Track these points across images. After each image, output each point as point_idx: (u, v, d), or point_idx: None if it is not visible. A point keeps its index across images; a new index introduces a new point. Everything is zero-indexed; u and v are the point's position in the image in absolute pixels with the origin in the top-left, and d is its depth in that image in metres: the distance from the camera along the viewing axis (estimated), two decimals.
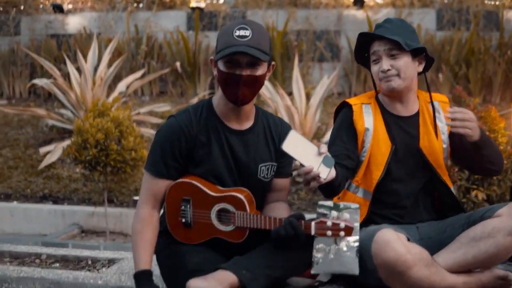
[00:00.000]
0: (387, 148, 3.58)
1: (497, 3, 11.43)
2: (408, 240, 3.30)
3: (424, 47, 3.59)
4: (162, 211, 3.44)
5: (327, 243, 3.16)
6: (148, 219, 3.33)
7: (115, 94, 9.78)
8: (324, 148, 3.03)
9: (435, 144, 3.63)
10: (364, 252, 3.23)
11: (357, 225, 3.12)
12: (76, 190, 8.59)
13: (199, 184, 3.30)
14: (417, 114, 3.69)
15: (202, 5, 11.85)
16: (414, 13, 11.25)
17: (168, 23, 11.85)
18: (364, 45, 3.67)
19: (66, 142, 8.77)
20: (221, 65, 3.26)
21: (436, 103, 3.72)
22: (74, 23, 12.31)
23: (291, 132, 3.03)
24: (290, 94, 9.23)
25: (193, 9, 11.80)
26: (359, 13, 11.32)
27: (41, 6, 12.89)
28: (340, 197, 3.67)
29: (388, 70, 3.52)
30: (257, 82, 3.30)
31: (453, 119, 3.33)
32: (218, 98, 3.42)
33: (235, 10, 11.88)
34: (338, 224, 3.06)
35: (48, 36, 12.19)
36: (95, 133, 7.01)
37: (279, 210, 3.47)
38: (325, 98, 9.98)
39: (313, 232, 3.11)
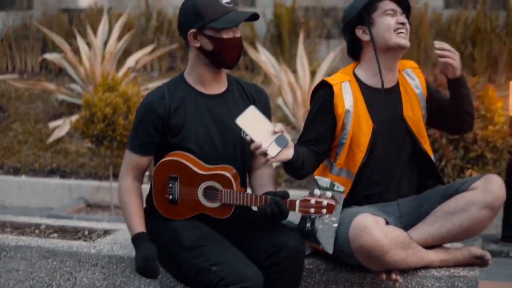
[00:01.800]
0: (368, 127, 3.53)
1: None
2: (387, 223, 3.38)
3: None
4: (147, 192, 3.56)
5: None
6: (132, 187, 3.46)
7: (124, 69, 9.89)
8: (278, 127, 3.12)
9: (417, 112, 3.62)
10: (342, 236, 3.30)
11: (338, 207, 3.19)
12: (83, 165, 8.76)
13: (186, 162, 3.37)
14: (397, 84, 3.65)
15: None
16: None
17: None
18: (369, 4, 3.58)
19: (75, 117, 8.91)
20: (212, 33, 3.36)
21: (409, 71, 3.70)
22: None
23: (250, 107, 3.14)
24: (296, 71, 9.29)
25: None
26: None
27: None
28: None
29: (406, 23, 3.53)
30: None
31: (441, 49, 3.40)
32: (190, 70, 3.52)
33: None
34: (321, 202, 3.14)
35: (60, 11, 12.27)
36: (103, 107, 7.14)
37: (266, 180, 3.55)
38: (331, 75, 10.05)
39: (297, 210, 3.20)
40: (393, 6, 3.54)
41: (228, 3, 3.38)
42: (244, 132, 3.36)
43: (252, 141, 3.09)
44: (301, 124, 8.24)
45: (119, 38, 10.32)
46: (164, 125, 3.43)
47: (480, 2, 10.83)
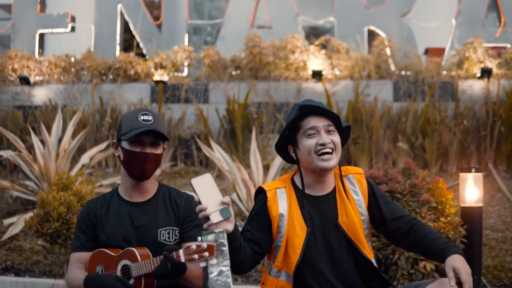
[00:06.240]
0: (303, 231, 3.64)
1: (453, 73, 11.71)
2: None
3: (350, 125, 3.78)
4: None
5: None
6: (78, 273, 3.79)
7: (78, 165, 9.92)
8: (226, 199, 3.26)
9: (353, 218, 3.69)
10: None
11: (225, 248, 3.21)
12: (38, 262, 8.65)
13: (106, 250, 3.77)
14: (334, 190, 3.76)
15: (165, 78, 12.07)
16: (371, 84, 11.55)
17: (132, 96, 12.11)
18: (297, 121, 3.68)
19: (30, 214, 8.86)
20: (126, 145, 3.82)
21: (350, 176, 3.80)
22: (40, 95, 12.49)
23: (207, 174, 3.29)
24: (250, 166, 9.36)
25: (157, 82, 12.05)
26: (318, 86, 11.58)
27: (8, 77, 13.04)
28: (264, 282, 3.76)
29: (328, 143, 3.58)
30: (158, 160, 3.88)
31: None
32: (121, 178, 3.99)
33: (198, 83, 12.14)
34: (200, 245, 3.21)
35: (15, 108, 12.34)
36: (57, 206, 7.12)
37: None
38: (285, 169, 10.14)
39: (183, 259, 3.33)
40: (313, 123, 3.63)
41: (145, 120, 3.82)
42: (163, 236, 3.83)
43: (199, 202, 3.22)
44: None
45: (74, 135, 10.38)
46: (95, 228, 3.91)
47: (429, 94, 11.10)
